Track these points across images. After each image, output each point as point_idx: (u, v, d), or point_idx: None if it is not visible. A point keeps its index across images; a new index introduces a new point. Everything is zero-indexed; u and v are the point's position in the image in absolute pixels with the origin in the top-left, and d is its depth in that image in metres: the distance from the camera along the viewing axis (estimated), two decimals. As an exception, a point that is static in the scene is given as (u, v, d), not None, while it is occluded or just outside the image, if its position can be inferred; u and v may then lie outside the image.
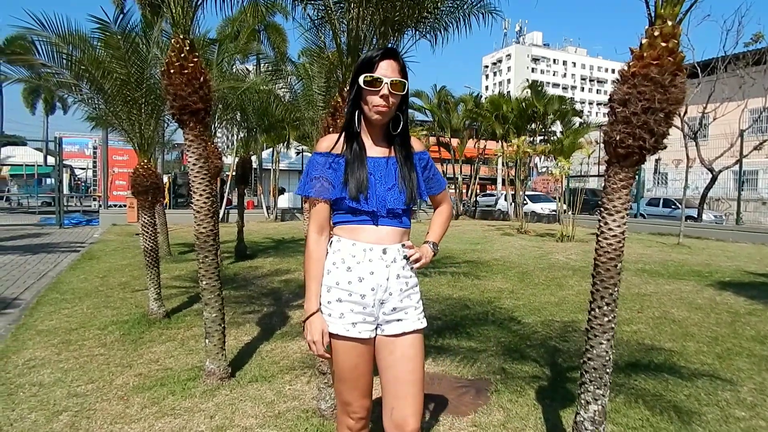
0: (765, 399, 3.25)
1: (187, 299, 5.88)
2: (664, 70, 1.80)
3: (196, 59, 3.32)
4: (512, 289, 6.51)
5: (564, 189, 17.38)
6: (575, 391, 2.16)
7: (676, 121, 14.36)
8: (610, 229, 1.97)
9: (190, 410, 3.07)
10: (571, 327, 4.72)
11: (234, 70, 8.72)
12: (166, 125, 8.01)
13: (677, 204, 17.41)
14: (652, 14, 1.88)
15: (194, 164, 3.43)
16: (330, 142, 1.75)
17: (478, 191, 28.72)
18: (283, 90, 7.95)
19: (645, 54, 1.86)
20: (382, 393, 1.79)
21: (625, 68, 1.91)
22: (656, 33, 1.85)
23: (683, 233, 12.45)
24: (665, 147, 1.88)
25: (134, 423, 2.91)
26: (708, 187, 17.14)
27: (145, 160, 4.89)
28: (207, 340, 3.49)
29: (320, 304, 1.73)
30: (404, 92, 1.70)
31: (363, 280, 1.69)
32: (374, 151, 1.75)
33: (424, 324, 1.78)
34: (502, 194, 24.20)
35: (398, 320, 1.74)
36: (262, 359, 3.94)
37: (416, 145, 1.84)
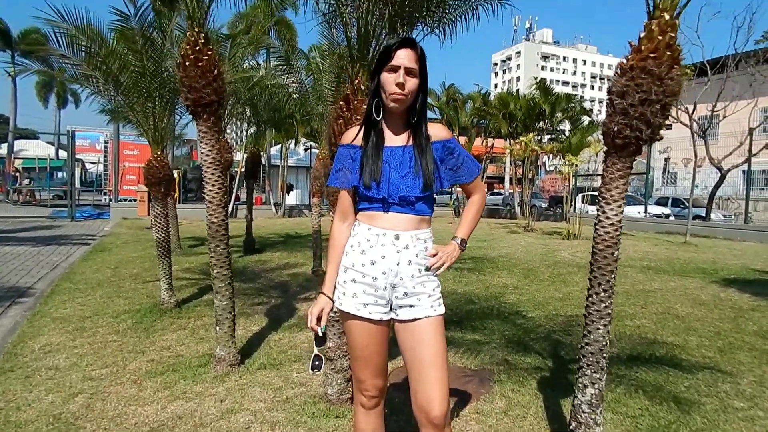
0: (764, 391, 3.30)
1: (197, 290, 5.99)
2: (661, 63, 1.86)
3: (210, 52, 3.41)
4: (517, 284, 6.56)
5: (571, 188, 17.35)
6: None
7: (685, 119, 14.31)
8: (607, 217, 2.03)
9: (201, 394, 3.17)
10: (574, 321, 4.77)
11: (246, 65, 8.84)
12: (178, 119, 8.15)
13: (686, 203, 17.33)
14: (651, 8, 1.93)
15: (207, 155, 3.53)
16: (352, 134, 1.83)
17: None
18: (293, 84, 8.06)
19: (643, 47, 1.92)
20: (408, 377, 1.82)
21: (624, 61, 1.98)
22: (654, 27, 1.91)
23: (691, 232, 12.43)
24: (661, 138, 1.94)
25: (147, 405, 3.01)
26: (717, 186, 17.08)
27: (158, 152, 5.00)
28: (218, 328, 3.58)
29: (334, 286, 1.84)
30: (419, 79, 1.72)
31: (375, 264, 1.76)
32: (393, 140, 1.79)
33: (439, 311, 1.80)
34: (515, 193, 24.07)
35: (411, 306, 1.78)
36: (270, 348, 4.04)
37: (440, 132, 1.81)
